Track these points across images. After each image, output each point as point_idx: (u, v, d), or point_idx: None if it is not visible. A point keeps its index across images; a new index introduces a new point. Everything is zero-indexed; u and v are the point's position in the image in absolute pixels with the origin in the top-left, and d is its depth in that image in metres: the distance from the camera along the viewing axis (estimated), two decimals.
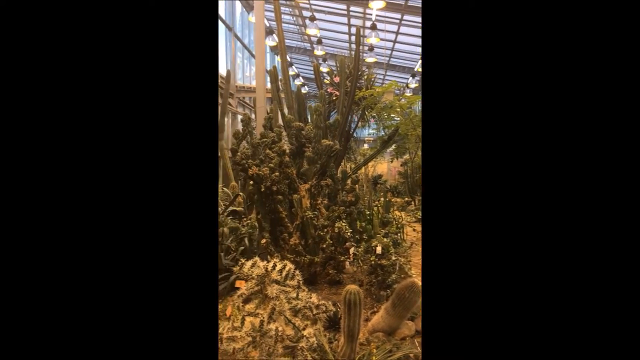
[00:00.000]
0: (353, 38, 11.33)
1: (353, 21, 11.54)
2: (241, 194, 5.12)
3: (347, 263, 3.75)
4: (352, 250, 3.55)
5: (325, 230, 3.50)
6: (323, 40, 11.93)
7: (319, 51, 12.10)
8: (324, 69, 8.15)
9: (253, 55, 12.71)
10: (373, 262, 3.11)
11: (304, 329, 1.87)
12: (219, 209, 4.60)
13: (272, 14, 8.58)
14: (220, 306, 2.98)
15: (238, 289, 2.83)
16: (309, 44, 13.97)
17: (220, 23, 10.15)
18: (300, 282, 2.01)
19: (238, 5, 11.46)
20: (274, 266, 1.96)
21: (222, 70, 9.72)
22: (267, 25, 8.87)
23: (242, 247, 3.79)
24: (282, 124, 5.00)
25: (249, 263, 2.00)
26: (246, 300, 2.02)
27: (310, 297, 2.15)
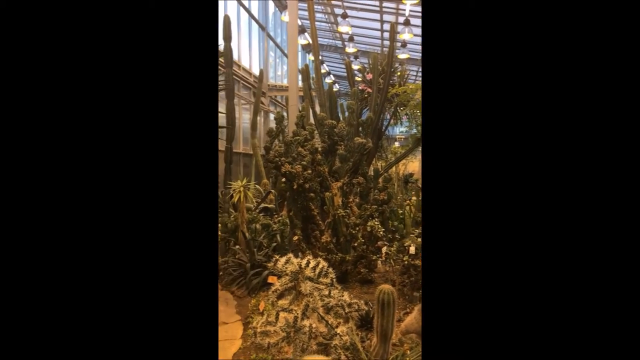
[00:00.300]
0: (385, 34, 11.16)
1: (386, 17, 11.36)
2: (273, 191, 5.20)
3: (379, 262, 3.71)
4: (384, 249, 3.50)
5: (357, 228, 3.48)
6: (355, 38, 11.84)
7: (350, 48, 12.02)
8: (355, 66, 8.10)
9: (285, 54, 12.81)
10: (406, 262, 3.06)
11: (336, 326, 1.87)
12: (252, 205, 4.70)
13: (305, 13, 8.61)
14: (253, 301, 3.04)
15: (270, 284, 2.87)
16: (340, 42, 13.92)
17: (253, 23, 10.32)
18: (334, 280, 2.00)
19: (271, 4, 11.61)
20: (308, 263, 1.96)
21: (255, 69, 9.89)
22: (300, 24, 8.93)
23: (274, 244, 3.85)
24: (313, 122, 5.02)
25: (283, 259, 2.02)
26: (279, 296, 2.04)
27: (342, 295, 2.15)
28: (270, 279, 3.22)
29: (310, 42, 6.56)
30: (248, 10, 9.96)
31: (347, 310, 2.10)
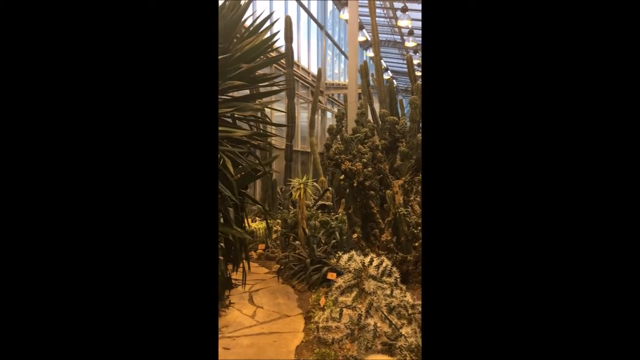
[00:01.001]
0: None
1: None
2: (330, 188, 5.24)
3: None
4: None
5: (419, 228, 3.37)
6: (414, 31, 11.46)
7: (410, 43, 11.68)
8: (416, 60, 7.83)
9: (343, 52, 12.80)
10: None
11: (400, 327, 1.83)
12: (310, 202, 4.78)
13: (364, 9, 8.52)
14: (313, 296, 3.09)
15: (330, 280, 2.89)
16: (398, 36, 13.56)
17: (311, 22, 10.46)
18: (398, 279, 1.96)
19: (329, 3, 11.66)
20: (371, 261, 1.95)
21: (313, 68, 10.02)
22: (358, 20, 8.87)
23: (333, 240, 3.88)
24: (371, 119, 4.95)
25: (346, 256, 2.02)
26: (342, 293, 2.05)
27: (405, 296, 2.10)
28: (330, 276, 3.24)
29: (369, 38, 6.47)
30: (307, 10, 10.11)
31: (410, 311, 2.05)
